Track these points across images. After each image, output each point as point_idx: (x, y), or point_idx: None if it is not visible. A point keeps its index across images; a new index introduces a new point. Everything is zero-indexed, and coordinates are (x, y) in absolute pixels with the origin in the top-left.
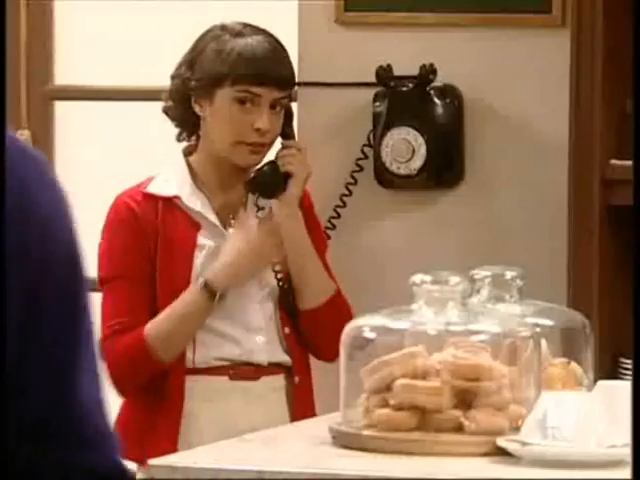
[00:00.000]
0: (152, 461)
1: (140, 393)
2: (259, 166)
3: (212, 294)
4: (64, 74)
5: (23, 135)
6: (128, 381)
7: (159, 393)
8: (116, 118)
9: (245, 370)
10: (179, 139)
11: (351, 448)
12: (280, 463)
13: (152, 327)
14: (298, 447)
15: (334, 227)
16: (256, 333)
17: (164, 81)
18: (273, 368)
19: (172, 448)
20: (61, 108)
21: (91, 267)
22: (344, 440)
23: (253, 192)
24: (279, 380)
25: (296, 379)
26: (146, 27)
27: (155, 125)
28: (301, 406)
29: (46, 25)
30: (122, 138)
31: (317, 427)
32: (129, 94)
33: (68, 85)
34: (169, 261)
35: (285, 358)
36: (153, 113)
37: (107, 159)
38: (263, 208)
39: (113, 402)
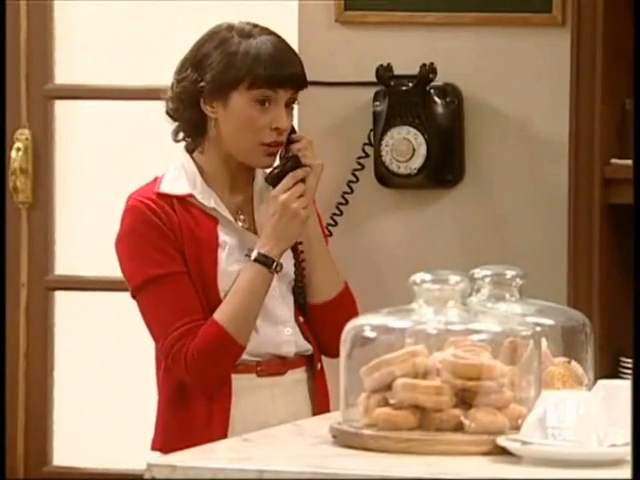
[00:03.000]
0: (152, 461)
1: (179, 391)
2: (274, 159)
3: (269, 265)
4: (64, 73)
5: (23, 134)
6: (215, 373)
7: (213, 389)
8: (116, 117)
9: (273, 365)
10: (176, 140)
11: (351, 447)
12: (280, 462)
13: (223, 314)
14: (298, 446)
15: (336, 224)
16: (283, 325)
17: (164, 80)
18: (297, 360)
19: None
20: (61, 107)
21: (104, 269)
22: (344, 439)
23: (273, 185)
24: (302, 372)
25: (318, 366)
26: (146, 26)
27: (155, 124)
28: (321, 393)
29: (46, 24)
30: (122, 137)
31: (317, 426)
32: (129, 93)
33: (68, 84)
34: (196, 258)
35: (307, 346)
36: (154, 112)
37: (107, 158)
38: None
39: (151, 398)
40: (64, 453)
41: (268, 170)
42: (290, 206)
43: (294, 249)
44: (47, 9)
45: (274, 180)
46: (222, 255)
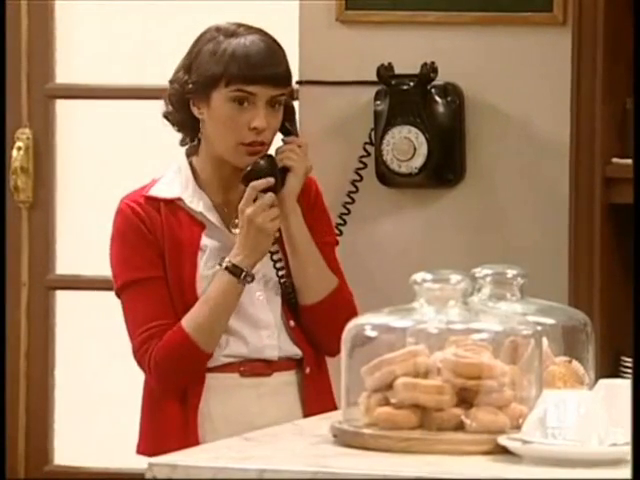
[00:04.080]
0: (153, 460)
1: (159, 392)
2: (255, 159)
3: (238, 275)
4: (65, 73)
5: (24, 134)
6: (177, 378)
7: (178, 392)
8: (117, 117)
9: (256, 366)
10: (182, 144)
11: (352, 447)
12: (281, 462)
13: (190, 321)
14: (299, 446)
15: (345, 223)
16: (265, 329)
17: (165, 80)
18: (284, 363)
19: (189, 446)
20: (62, 106)
21: (105, 268)
22: (345, 439)
23: (248, 185)
24: (291, 375)
25: (307, 370)
26: (147, 26)
27: (156, 124)
28: (313, 397)
29: (47, 24)
30: (123, 136)
31: (318, 426)
32: (130, 93)
33: (69, 84)
34: (176, 261)
35: (295, 351)
36: (154, 112)
37: (108, 157)
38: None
39: (135, 400)
40: (65, 452)
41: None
42: (254, 220)
43: (270, 252)
44: (48, 9)
45: (243, 180)
46: (202, 259)
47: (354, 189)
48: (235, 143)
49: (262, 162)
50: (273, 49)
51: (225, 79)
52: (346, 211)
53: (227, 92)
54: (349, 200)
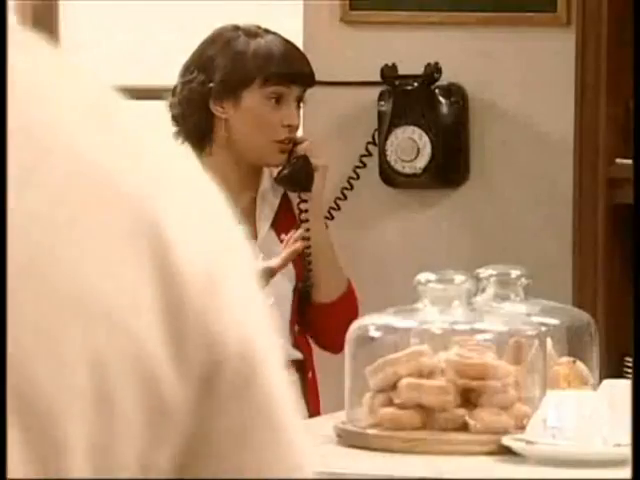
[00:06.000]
0: None
1: None
2: (291, 159)
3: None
4: None
5: None
6: None
7: None
8: None
9: None
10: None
11: (356, 447)
12: None
13: None
14: None
15: (332, 218)
16: None
17: (168, 80)
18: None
19: None
20: None
21: None
22: (349, 439)
23: (289, 187)
24: (291, 375)
25: (309, 374)
26: (150, 26)
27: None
28: (314, 400)
29: (50, 24)
30: None
31: (322, 426)
32: (132, 93)
33: None
34: None
35: (296, 354)
36: (158, 112)
37: None
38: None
39: None
40: None
41: (276, 170)
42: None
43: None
44: (52, 9)
45: (286, 181)
46: None
47: (349, 186)
48: (269, 141)
49: (299, 162)
50: (297, 49)
51: (262, 78)
52: (336, 206)
53: (263, 91)
54: (341, 196)
